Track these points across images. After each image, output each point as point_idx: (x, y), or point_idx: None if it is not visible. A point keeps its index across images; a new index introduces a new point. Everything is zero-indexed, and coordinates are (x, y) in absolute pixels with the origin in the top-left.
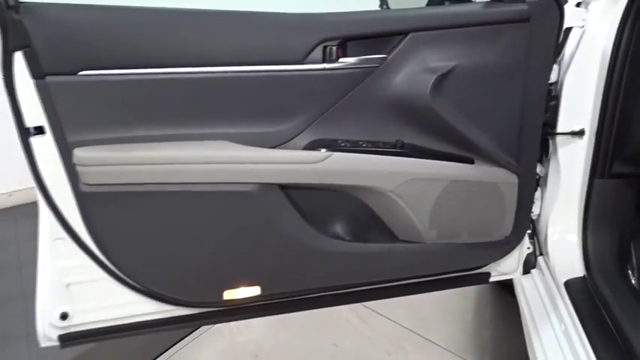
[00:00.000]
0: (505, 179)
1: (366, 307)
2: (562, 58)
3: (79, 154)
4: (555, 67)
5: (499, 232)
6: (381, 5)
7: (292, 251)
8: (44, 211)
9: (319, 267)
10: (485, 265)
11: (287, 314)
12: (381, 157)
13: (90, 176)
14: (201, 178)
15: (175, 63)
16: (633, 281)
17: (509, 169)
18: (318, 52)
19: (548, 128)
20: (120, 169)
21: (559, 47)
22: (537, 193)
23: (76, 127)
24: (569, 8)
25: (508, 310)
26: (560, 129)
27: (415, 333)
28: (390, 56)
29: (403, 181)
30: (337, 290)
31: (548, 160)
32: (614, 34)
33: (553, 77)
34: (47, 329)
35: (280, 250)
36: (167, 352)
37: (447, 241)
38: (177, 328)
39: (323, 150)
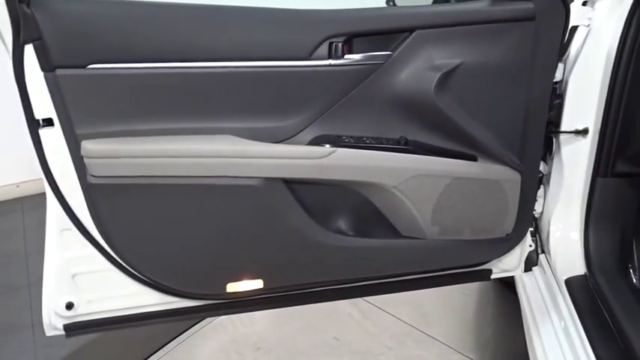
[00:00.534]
0: (508, 177)
1: (367, 302)
2: (567, 56)
3: (87, 146)
4: (560, 65)
5: (501, 230)
6: (387, 2)
7: (295, 245)
8: (52, 203)
9: (322, 261)
10: (487, 262)
11: (289, 307)
12: (384, 154)
13: (97, 168)
14: (207, 172)
15: (183, 57)
16: (634, 280)
17: (512, 167)
18: (324, 49)
19: (552, 126)
20: (127, 162)
21: (564, 46)
22: (540, 191)
23: (85, 119)
24: (575, 7)
25: (509, 307)
26: (564, 127)
27: (416, 328)
28: (396, 53)
29: (406, 177)
30: (339, 285)
31: (552, 159)
32: (620, 33)
33: (558, 76)
34: (53, 318)
35: (284, 244)
36: (170, 344)
37: (449, 237)
38: (181, 320)
39: (327, 145)
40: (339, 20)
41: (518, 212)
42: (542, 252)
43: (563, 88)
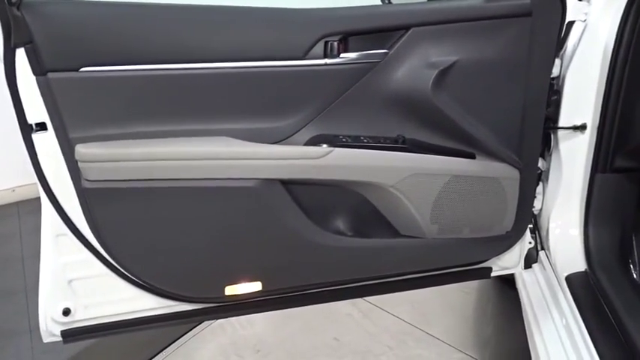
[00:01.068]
0: (507, 174)
1: (367, 301)
2: (564, 52)
3: (81, 150)
4: (557, 61)
5: (500, 227)
6: (382, 0)
7: (294, 247)
8: (46, 208)
9: (321, 262)
10: (487, 260)
11: (289, 309)
12: (382, 153)
13: (92, 172)
14: (203, 174)
15: (177, 59)
16: (635, 275)
17: (510, 164)
18: (319, 48)
19: (550, 123)
20: (122, 166)
21: (561, 41)
22: (539, 188)
23: (78, 123)
24: (571, 2)
25: (509, 304)
26: (561, 123)
27: (417, 327)
28: (392, 51)
29: (405, 176)
30: (339, 285)
31: (550, 155)
32: (617, 28)
33: (555, 72)
34: (50, 325)
35: (282, 246)
36: (169, 348)
37: (448, 236)
38: (180, 324)
39: (324, 145)
40: (334, 19)
41: (518, 209)
42: (542, 249)
43: (560, 83)
